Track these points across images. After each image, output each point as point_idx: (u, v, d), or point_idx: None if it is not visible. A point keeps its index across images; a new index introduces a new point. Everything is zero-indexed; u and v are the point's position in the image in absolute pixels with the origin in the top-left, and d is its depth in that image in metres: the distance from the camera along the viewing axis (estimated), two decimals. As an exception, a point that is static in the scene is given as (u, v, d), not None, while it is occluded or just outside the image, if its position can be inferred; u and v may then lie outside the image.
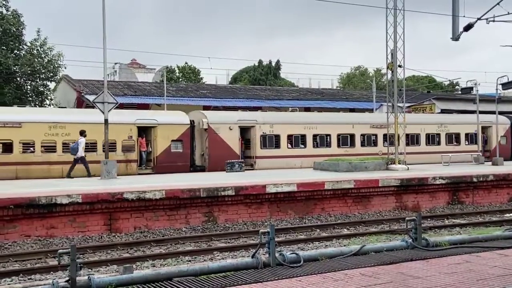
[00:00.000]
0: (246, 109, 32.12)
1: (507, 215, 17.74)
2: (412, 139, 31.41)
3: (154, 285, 6.49)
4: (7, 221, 13.26)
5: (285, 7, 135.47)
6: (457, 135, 33.15)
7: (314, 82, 73.67)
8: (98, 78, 42.17)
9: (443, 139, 32.62)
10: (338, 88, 71.11)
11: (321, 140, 29.09)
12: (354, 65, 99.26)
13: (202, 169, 25.96)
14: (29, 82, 36.22)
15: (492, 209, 19.02)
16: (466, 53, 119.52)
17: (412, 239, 8.38)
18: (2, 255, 11.85)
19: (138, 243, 13.12)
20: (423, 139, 31.95)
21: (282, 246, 11.90)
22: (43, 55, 35.83)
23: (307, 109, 40.52)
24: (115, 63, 62.99)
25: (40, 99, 36.65)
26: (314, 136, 28.83)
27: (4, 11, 34.95)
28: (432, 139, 32.38)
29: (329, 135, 29.20)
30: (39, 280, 9.62)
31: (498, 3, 21.34)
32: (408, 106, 39.42)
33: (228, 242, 13.51)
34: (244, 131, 27.56)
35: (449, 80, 58.03)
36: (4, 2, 35.00)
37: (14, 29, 34.46)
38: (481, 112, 31.28)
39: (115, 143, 23.62)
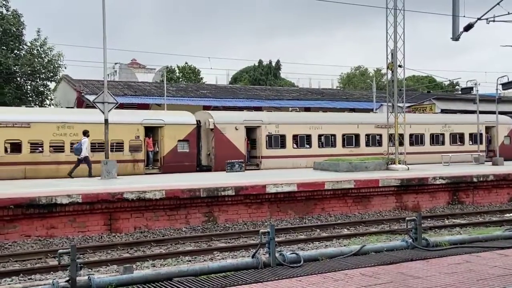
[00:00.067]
0: (247, 109, 32.15)
1: (507, 215, 17.74)
2: (417, 139, 31.54)
3: (154, 285, 6.49)
4: (7, 221, 13.26)
5: (285, 7, 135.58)
6: (461, 135, 33.18)
7: (314, 82, 73.80)
8: (98, 78, 42.22)
9: (447, 139, 32.68)
10: (338, 88, 71.14)
11: (326, 140, 29.20)
12: (354, 65, 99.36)
13: (208, 169, 26.04)
14: (29, 82, 36.21)
15: (492, 209, 19.02)
16: (466, 53, 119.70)
17: (412, 239, 8.38)
18: (2, 255, 11.85)
19: (138, 243, 13.12)
20: (427, 139, 32.03)
21: (282, 246, 11.90)
22: (43, 55, 35.83)
23: (307, 109, 40.54)
24: (115, 63, 63.05)
25: (40, 99, 36.64)
26: (319, 136, 28.96)
27: (4, 11, 34.95)
28: (436, 139, 32.44)
29: (334, 135, 29.33)
30: (39, 280, 9.62)
31: (498, 3, 21.34)
32: (408, 106, 39.44)
33: (228, 242, 13.50)
34: (250, 131, 27.67)
35: (449, 80, 58.07)
36: (4, 2, 35.02)
37: (14, 29, 34.46)
38: (481, 112, 31.30)
39: (123, 143, 23.87)
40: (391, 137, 25.94)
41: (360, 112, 40.38)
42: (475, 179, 20.26)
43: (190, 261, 11.30)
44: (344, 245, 11.50)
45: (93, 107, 21.68)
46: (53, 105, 37.60)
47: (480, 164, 28.12)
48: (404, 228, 11.79)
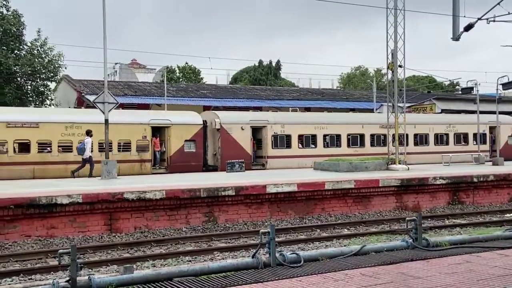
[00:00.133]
0: (252, 109, 32.21)
1: (508, 215, 17.73)
2: (421, 139, 31.58)
3: (155, 285, 6.49)
4: (8, 221, 13.26)
5: (285, 7, 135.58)
6: (465, 135, 33.21)
7: (315, 82, 73.70)
8: (99, 78, 42.24)
9: (451, 139, 32.72)
10: (339, 88, 71.13)
11: (331, 140, 29.31)
12: (354, 65, 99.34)
13: (214, 168, 26.15)
14: (30, 82, 36.20)
15: (492, 209, 19.01)
16: (467, 53, 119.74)
17: (413, 239, 8.37)
18: (3, 255, 11.84)
19: (139, 243, 13.12)
20: (431, 139, 32.06)
21: (283, 246, 11.90)
22: (43, 55, 35.81)
23: (307, 109, 40.54)
24: (116, 63, 63.03)
25: (40, 99, 36.64)
26: (325, 136, 29.10)
27: (5, 11, 34.95)
28: (440, 139, 32.48)
29: (339, 135, 29.44)
30: (40, 280, 9.62)
31: (498, 3, 21.32)
32: (409, 106, 39.43)
33: (229, 242, 13.50)
34: (256, 131, 27.80)
35: (450, 80, 58.01)
36: (4, 2, 35.02)
37: (15, 29, 34.46)
38: (482, 112, 31.35)
39: (130, 143, 24.07)
40: (395, 137, 26.03)
41: (360, 112, 40.41)
42: (475, 179, 20.25)
43: (190, 261, 11.30)
44: (344, 245, 11.50)
45: (95, 107, 21.69)
46: (53, 105, 37.61)
47: (480, 164, 28.12)
48: (404, 228, 11.79)
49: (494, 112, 31.18)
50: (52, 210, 13.66)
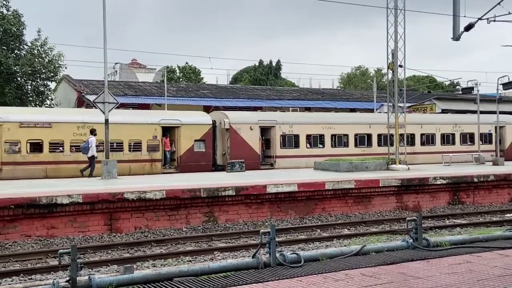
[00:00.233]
0: (260, 109, 32.25)
1: (508, 215, 17.72)
2: (428, 139, 31.64)
3: (155, 285, 6.49)
4: (8, 221, 13.26)
5: (285, 7, 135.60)
6: (471, 135, 33.23)
7: (315, 82, 73.65)
8: (99, 78, 42.28)
9: (457, 139, 32.76)
10: (339, 88, 71.14)
11: (339, 140, 29.42)
12: (354, 65, 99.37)
13: (223, 168, 26.18)
14: (30, 82, 36.21)
15: (492, 209, 19.01)
16: (467, 53, 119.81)
17: (413, 239, 8.37)
18: (3, 255, 11.85)
19: (139, 243, 13.12)
20: (438, 139, 32.11)
21: (283, 246, 11.90)
22: (43, 55, 35.82)
23: (308, 109, 40.56)
24: (116, 63, 63.05)
25: (40, 99, 36.64)
26: (332, 136, 29.18)
27: (5, 11, 34.97)
28: (447, 139, 32.52)
29: (347, 135, 29.55)
30: (40, 280, 9.63)
31: (499, 3, 21.28)
32: (409, 106, 39.43)
33: (229, 242, 13.50)
34: (264, 131, 27.93)
35: (450, 80, 57.99)
36: (4, 2, 35.04)
37: (15, 29, 34.46)
38: (486, 112, 31.45)
39: (141, 143, 24.20)
40: (403, 137, 26.15)
41: (361, 112, 40.41)
42: (475, 179, 20.25)
43: (190, 261, 11.30)
44: (345, 245, 11.50)
45: (94, 107, 21.75)
46: (53, 105, 37.62)
47: (480, 164, 28.12)
48: (404, 228, 11.77)
49: (494, 112, 31.17)
50: (52, 210, 13.66)
